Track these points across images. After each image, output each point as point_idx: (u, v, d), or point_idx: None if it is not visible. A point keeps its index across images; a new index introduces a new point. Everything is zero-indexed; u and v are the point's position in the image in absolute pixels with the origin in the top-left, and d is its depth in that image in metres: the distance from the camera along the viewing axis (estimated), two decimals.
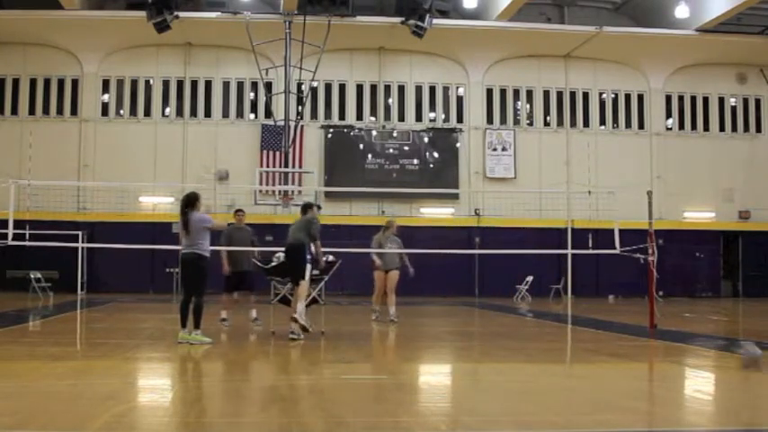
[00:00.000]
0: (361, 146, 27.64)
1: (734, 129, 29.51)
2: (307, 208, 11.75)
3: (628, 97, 29.18)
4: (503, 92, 28.67)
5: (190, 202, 10.31)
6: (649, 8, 27.87)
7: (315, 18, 24.28)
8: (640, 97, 29.17)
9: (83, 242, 23.08)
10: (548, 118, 28.92)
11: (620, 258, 15.37)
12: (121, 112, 27.61)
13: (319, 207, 11.96)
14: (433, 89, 28.43)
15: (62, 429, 5.16)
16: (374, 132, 27.75)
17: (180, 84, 27.47)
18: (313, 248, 11.09)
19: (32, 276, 22.63)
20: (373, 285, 14.58)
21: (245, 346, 10.48)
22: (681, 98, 29.41)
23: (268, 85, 26.12)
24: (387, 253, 14.20)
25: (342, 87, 28.11)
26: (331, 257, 12.08)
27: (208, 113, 27.59)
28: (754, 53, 28.35)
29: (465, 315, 18.84)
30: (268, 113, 26.80)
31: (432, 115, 28.48)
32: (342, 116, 28.05)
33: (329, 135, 27.60)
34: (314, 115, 27.82)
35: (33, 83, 27.04)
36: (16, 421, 5.27)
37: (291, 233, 11.15)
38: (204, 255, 10.21)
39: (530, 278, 24.53)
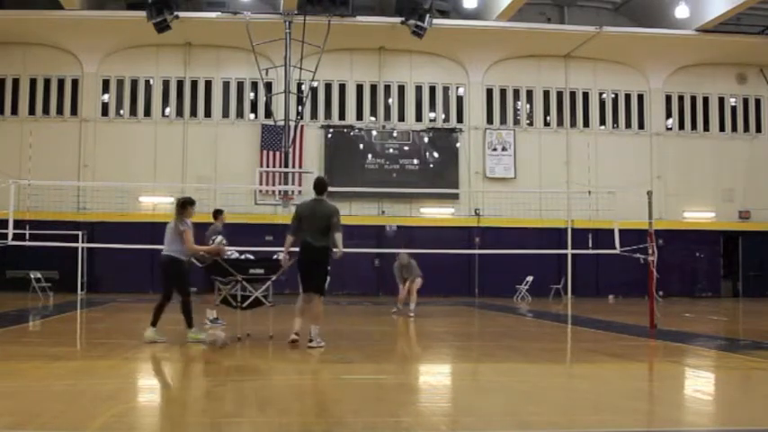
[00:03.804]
0: (361, 146, 27.63)
1: (734, 129, 29.49)
2: (322, 187, 9.69)
3: (628, 97, 29.16)
4: (503, 92, 28.66)
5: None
6: (649, 8, 27.85)
7: (315, 18, 24.28)
8: (640, 97, 29.15)
9: (83, 242, 23.07)
10: (548, 118, 28.91)
11: (620, 258, 15.39)
12: (121, 112, 27.60)
13: None
14: (433, 89, 28.42)
15: (62, 429, 5.16)
16: (374, 132, 27.74)
17: (180, 84, 27.46)
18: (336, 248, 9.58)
19: (32, 276, 22.64)
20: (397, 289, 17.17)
21: (244, 346, 10.46)
22: (681, 98, 29.40)
23: (268, 85, 26.13)
24: (404, 270, 17.02)
25: (342, 87, 28.09)
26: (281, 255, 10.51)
27: (208, 113, 27.57)
28: (754, 53, 28.34)
29: (465, 315, 18.83)
30: (268, 113, 26.79)
31: (432, 115, 28.47)
32: (342, 116, 28.03)
33: (329, 135, 27.58)
34: (314, 115, 27.80)
35: (33, 83, 27.02)
36: (16, 421, 5.27)
37: (315, 229, 9.52)
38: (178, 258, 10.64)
39: (530, 278, 24.52)
